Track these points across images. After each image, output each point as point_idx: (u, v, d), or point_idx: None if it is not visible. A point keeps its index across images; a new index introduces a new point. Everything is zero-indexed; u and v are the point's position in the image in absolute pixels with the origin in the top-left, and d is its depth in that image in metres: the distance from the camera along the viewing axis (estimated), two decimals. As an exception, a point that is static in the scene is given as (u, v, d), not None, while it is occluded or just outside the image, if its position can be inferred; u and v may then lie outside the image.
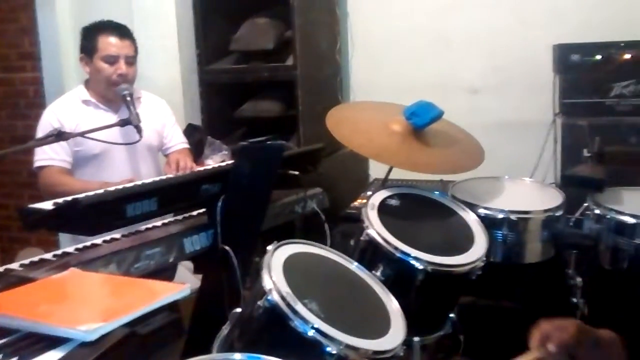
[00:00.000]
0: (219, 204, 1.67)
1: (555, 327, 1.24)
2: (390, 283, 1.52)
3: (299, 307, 1.18)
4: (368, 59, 3.48)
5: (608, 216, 1.87)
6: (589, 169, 2.07)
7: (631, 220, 1.83)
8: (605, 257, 1.89)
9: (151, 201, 1.53)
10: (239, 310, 1.33)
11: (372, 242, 1.61)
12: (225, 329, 1.33)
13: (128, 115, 2.05)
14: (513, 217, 1.84)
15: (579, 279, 1.91)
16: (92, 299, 1.15)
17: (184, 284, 1.09)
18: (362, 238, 1.64)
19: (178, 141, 2.59)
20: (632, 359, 1.30)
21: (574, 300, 1.91)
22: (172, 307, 1.02)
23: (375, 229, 1.61)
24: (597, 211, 1.92)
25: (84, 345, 0.93)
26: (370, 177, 3.24)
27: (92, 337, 0.93)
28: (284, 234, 1.57)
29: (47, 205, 1.47)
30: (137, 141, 2.10)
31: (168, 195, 1.58)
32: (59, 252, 1.52)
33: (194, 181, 1.68)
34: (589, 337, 1.28)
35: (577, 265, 1.92)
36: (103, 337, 0.94)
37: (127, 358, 0.93)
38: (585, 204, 1.98)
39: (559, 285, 1.93)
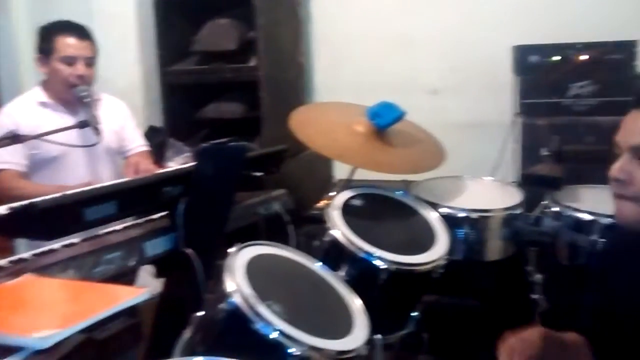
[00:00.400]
0: (181, 206, 1.65)
1: (520, 340, 1.26)
2: (353, 282, 1.53)
3: (262, 309, 1.18)
4: (331, 60, 3.49)
5: (566, 214, 1.91)
6: (547, 168, 2.11)
7: (588, 217, 1.87)
8: (564, 254, 1.93)
9: (110, 204, 1.49)
10: (201, 313, 1.31)
11: (335, 242, 1.61)
12: (187, 333, 1.31)
13: (86, 117, 2.01)
14: (474, 215, 1.87)
15: (538, 276, 1.95)
16: (47, 305, 1.12)
17: (144, 288, 1.06)
18: (325, 238, 1.65)
19: (138, 144, 2.55)
20: (597, 351, 1.33)
21: (534, 296, 1.95)
22: (131, 311, 1.00)
23: (339, 229, 1.62)
24: (555, 209, 1.95)
25: (38, 353, 0.91)
26: (335, 178, 3.25)
27: (47, 344, 0.90)
28: (247, 235, 1.55)
29: (2, 209, 1.42)
30: (96, 144, 2.05)
31: (128, 198, 1.55)
32: (14, 258, 1.47)
33: (155, 183, 1.64)
34: (554, 343, 1.31)
35: (537, 262, 1.96)
36: (58, 344, 0.91)
37: (84, 365, 0.90)
38: (544, 202, 2.02)
39: (520, 281, 1.96)
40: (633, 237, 1.22)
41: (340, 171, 3.00)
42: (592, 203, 1.92)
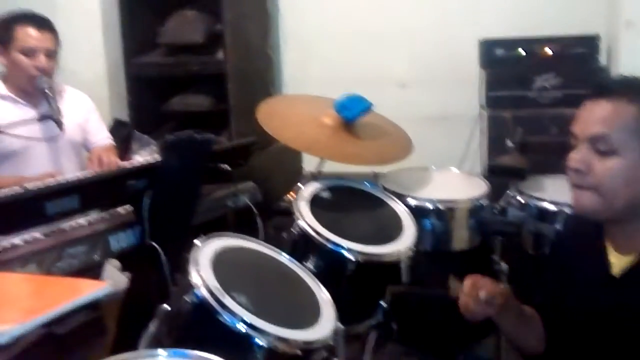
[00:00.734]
0: (146, 199, 1.63)
1: (489, 281, 1.30)
2: (321, 274, 1.53)
3: (228, 301, 1.17)
4: (299, 53, 3.48)
5: (530, 203, 1.94)
6: (512, 159, 2.14)
7: (552, 207, 1.90)
8: (529, 243, 1.96)
9: (72, 198, 1.47)
10: (166, 306, 1.30)
11: (303, 234, 1.61)
12: (152, 326, 1.30)
13: (48, 110, 1.97)
14: (441, 206, 1.88)
15: (504, 265, 1.97)
16: (5, 300, 1.09)
17: (106, 281, 1.04)
18: (293, 230, 1.64)
19: (102, 137, 2.51)
20: (549, 334, 1.36)
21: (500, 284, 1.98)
22: (93, 305, 0.97)
23: (306, 220, 1.62)
24: (520, 199, 1.98)
25: (-4, 348, 0.88)
26: (305, 170, 3.25)
27: (4, 340, 0.88)
28: (216, 228, 1.54)
29: (-41, 204, 1.39)
30: (58, 136, 2.01)
31: (91, 192, 1.52)
32: (-27, 253, 1.44)
33: (119, 177, 1.62)
34: (513, 303, 1.34)
35: (503, 251, 1.98)
36: (17, 340, 0.89)
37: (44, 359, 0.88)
38: (509, 192, 2.04)
39: (486, 271, 1.98)
40: (591, 224, 1.25)
41: (310, 164, 2.98)
42: (556, 193, 1.96)
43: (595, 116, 1.15)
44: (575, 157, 1.16)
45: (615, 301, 1.16)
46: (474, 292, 1.30)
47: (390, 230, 1.72)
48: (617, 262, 1.19)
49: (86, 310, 0.95)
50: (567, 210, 1.85)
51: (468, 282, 1.32)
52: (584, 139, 1.16)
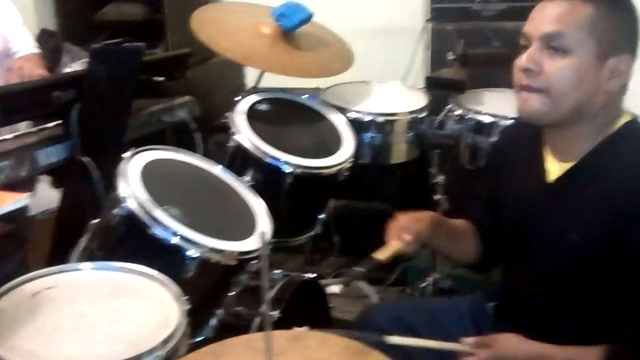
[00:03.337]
0: (74, 112, 1.56)
1: (411, 219, 1.29)
2: (259, 187, 1.52)
3: (158, 214, 1.15)
4: (240, -41, 3.30)
5: (468, 116, 1.95)
6: (452, 72, 2.13)
7: (489, 120, 1.92)
8: (465, 156, 1.99)
9: (-8, 110, 1.39)
10: (97, 220, 1.27)
11: (240, 147, 1.59)
12: (83, 241, 1.28)
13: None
14: (380, 119, 1.88)
15: (441, 177, 2.01)
16: None
17: (23, 194, 1.00)
18: (230, 144, 1.62)
19: (27, 45, 2.34)
20: (486, 243, 1.40)
21: (437, 197, 2.02)
22: (11, 218, 0.94)
23: (243, 134, 1.59)
24: (458, 112, 1.99)
25: None
26: (247, 86, 3.17)
27: None
28: (153, 144, 1.49)
29: None
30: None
31: (12, 103, 1.44)
32: None
33: (43, 87, 1.53)
34: (443, 225, 1.36)
35: (440, 164, 2.02)
36: None
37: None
38: (449, 106, 2.05)
39: (423, 183, 2.02)
40: (529, 132, 1.25)
41: (252, 78, 2.91)
42: (493, 106, 1.97)
43: (549, 14, 1.10)
44: (526, 57, 1.12)
45: (550, 208, 1.17)
46: (401, 238, 1.28)
47: (329, 143, 1.71)
48: (555, 169, 1.18)
49: (2, 224, 0.91)
50: (503, 122, 1.87)
51: (393, 233, 1.28)
52: (537, 38, 1.11)
